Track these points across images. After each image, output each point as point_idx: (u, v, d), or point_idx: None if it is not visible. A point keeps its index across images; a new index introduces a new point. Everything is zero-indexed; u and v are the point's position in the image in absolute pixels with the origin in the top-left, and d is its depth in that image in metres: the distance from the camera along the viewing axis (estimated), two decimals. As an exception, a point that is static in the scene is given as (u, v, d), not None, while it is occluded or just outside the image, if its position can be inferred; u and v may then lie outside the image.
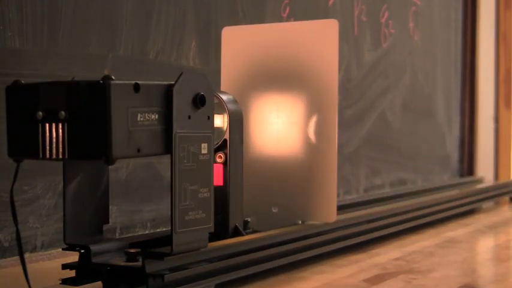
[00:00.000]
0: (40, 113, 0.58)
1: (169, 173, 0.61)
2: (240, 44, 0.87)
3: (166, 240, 0.63)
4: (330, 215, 0.83)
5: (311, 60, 0.83)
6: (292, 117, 0.84)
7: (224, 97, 0.76)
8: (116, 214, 0.96)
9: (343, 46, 1.47)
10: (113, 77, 0.56)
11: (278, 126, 0.84)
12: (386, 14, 1.64)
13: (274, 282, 0.75)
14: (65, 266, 0.66)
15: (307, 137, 0.84)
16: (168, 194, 0.61)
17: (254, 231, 0.79)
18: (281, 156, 0.85)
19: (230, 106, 0.75)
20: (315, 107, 0.83)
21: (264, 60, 0.85)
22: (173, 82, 0.61)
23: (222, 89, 0.85)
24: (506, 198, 1.60)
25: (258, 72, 0.85)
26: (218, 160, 0.75)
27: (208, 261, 0.67)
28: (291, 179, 0.84)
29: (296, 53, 0.84)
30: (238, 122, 0.76)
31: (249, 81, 0.86)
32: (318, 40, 0.83)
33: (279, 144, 0.85)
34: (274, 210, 0.85)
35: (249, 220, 0.80)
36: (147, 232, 1.01)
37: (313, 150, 0.83)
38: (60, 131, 0.57)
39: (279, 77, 0.85)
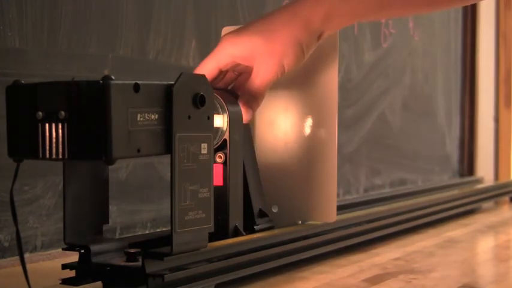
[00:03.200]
0: (40, 113, 0.58)
1: (169, 173, 0.61)
2: None
3: (166, 240, 0.63)
4: (330, 215, 0.83)
5: (310, 59, 0.83)
6: (291, 117, 0.84)
7: (224, 97, 0.76)
8: (116, 214, 0.96)
9: (343, 46, 1.47)
10: (113, 77, 0.56)
11: (277, 126, 0.84)
12: (386, 14, 1.64)
13: (274, 282, 0.75)
14: (65, 266, 0.65)
15: (307, 137, 0.83)
16: (168, 194, 0.61)
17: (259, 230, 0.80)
18: (281, 156, 0.85)
19: (230, 106, 0.75)
20: (315, 107, 0.83)
21: None
22: (173, 82, 0.61)
23: None
24: (506, 198, 1.60)
25: None
26: (218, 160, 0.75)
27: (208, 261, 0.67)
28: (290, 179, 0.84)
29: None
30: (238, 122, 0.76)
31: None
32: None
33: (279, 144, 0.85)
34: (274, 210, 0.84)
35: None
36: (147, 232, 1.01)
37: (313, 150, 0.83)
38: (60, 131, 0.57)
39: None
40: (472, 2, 0.85)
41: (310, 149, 0.83)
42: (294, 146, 0.84)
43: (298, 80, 0.84)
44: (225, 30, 0.88)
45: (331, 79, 0.82)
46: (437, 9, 0.83)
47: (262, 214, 0.79)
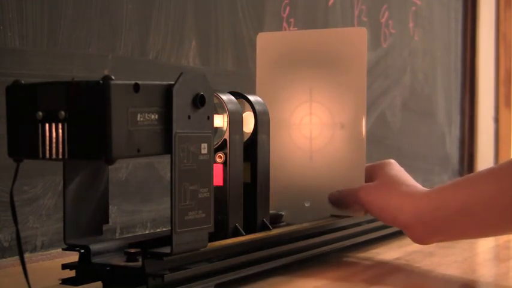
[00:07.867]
0: (40, 113, 0.58)
1: (169, 173, 0.61)
2: (273, 49, 0.90)
3: (166, 240, 0.63)
4: (358, 209, 0.87)
5: (340, 66, 0.87)
6: (323, 118, 0.89)
7: (224, 97, 0.76)
8: (116, 214, 0.97)
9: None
10: (113, 77, 0.56)
11: (311, 127, 0.89)
12: (386, 14, 1.64)
13: (274, 282, 0.75)
14: (65, 266, 0.65)
15: (338, 138, 0.88)
16: (168, 194, 0.61)
17: (287, 225, 0.83)
18: (313, 155, 0.89)
19: (230, 106, 0.75)
20: (345, 109, 0.88)
21: (296, 64, 0.89)
22: (173, 82, 0.61)
23: (257, 92, 0.89)
24: (506, 198, 1.60)
25: (291, 76, 0.89)
26: (218, 160, 0.75)
27: (208, 261, 0.67)
28: (322, 175, 0.89)
29: (326, 58, 0.88)
30: (238, 122, 0.76)
31: (282, 85, 0.90)
32: (346, 47, 0.87)
33: (312, 144, 0.89)
34: (306, 205, 0.89)
35: (282, 214, 0.84)
36: (147, 232, 1.01)
37: (343, 150, 0.88)
38: (60, 131, 0.57)
39: (311, 82, 0.89)
40: None
41: (341, 149, 0.88)
42: (325, 147, 0.89)
43: (328, 84, 0.88)
44: (260, 36, 0.91)
45: (360, 83, 0.86)
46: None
47: (264, 226, 0.80)
